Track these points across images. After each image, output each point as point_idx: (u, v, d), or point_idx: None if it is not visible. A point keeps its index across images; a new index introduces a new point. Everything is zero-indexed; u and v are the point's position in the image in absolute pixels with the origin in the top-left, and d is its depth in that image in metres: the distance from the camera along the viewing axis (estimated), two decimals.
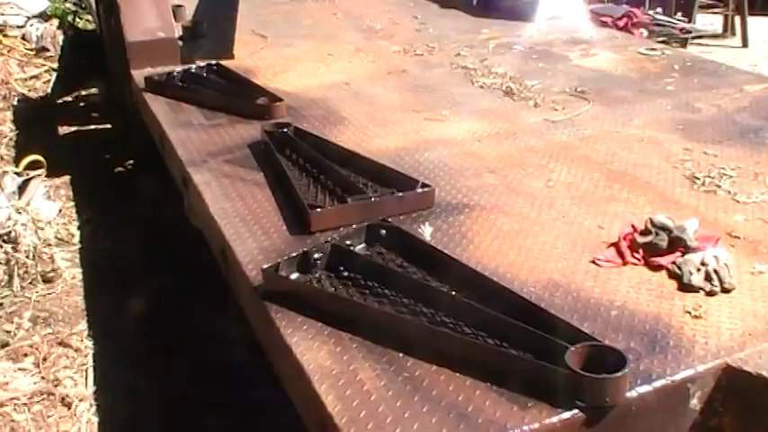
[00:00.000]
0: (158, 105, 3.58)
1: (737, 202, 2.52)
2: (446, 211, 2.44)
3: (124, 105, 4.76)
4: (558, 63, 4.08)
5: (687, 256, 2.11)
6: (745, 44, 9.36)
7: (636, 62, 4.10)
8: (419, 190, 2.46)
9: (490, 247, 2.22)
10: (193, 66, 3.93)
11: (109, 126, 6.00)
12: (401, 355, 1.76)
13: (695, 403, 1.74)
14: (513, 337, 1.73)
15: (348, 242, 2.18)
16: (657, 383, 1.67)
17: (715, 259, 2.09)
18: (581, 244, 2.24)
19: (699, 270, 2.04)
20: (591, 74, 3.91)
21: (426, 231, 2.30)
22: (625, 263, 2.14)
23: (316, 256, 2.09)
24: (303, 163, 2.76)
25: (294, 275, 2.07)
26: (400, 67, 4.03)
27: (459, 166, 2.80)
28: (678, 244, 2.14)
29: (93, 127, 6.09)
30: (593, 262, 2.14)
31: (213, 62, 3.94)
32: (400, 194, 2.43)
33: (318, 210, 2.34)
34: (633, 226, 2.27)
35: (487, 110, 3.38)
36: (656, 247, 2.15)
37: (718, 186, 2.62)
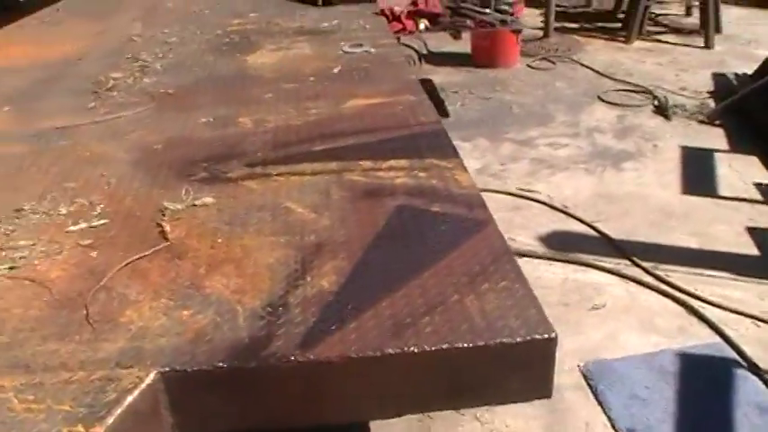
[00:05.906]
0: None
1: None
2: None
3: None
4: (230, 58, 3.67)
5: None
6: None
7: (310, 61, 3.53)
8: None
9: None
10: None
11: None
12: None
13: None
14: None
15: None
16: None
17: None
18: None
19: None
20: (231, 71, 3.47)
21: None
22: None
23: None
24: None
25: None
26: (81, 55, 3.88)
27: None
28: None
29: None
30: None
31: None
32: None
33: None
34: None
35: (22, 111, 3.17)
36: None
37: None
